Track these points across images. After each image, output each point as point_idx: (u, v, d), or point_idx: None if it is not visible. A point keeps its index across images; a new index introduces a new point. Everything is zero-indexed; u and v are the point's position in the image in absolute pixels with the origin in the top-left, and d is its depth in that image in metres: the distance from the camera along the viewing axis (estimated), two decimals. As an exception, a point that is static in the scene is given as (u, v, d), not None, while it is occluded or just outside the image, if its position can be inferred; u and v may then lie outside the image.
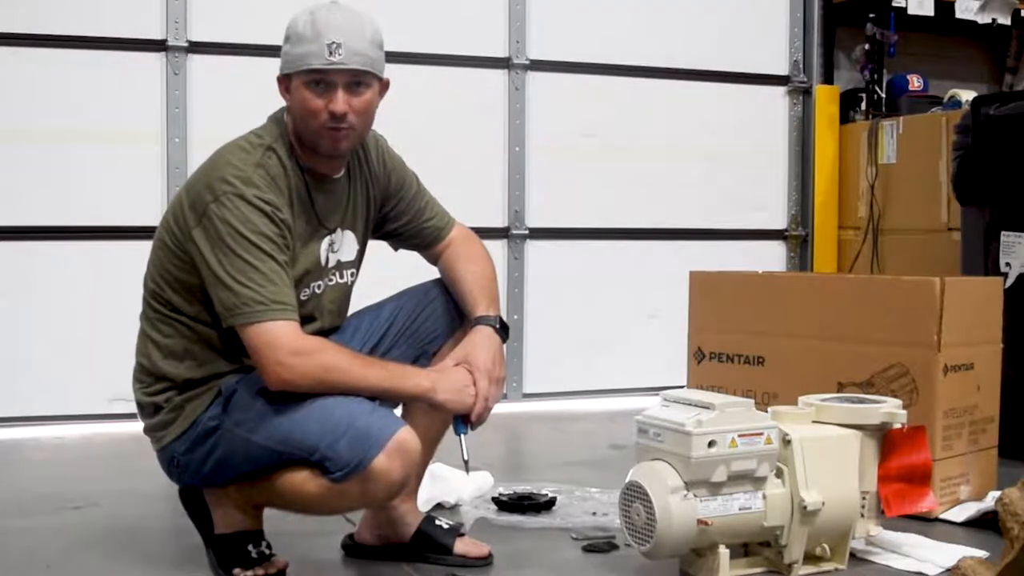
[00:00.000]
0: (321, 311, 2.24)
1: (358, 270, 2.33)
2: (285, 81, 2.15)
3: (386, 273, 2.46)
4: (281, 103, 2.23)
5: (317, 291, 2.23)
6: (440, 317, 2.32)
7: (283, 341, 2.02)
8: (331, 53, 2.07)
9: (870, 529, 2.37)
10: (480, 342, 2.20)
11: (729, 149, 4.92)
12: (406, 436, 2.02)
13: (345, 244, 2.27)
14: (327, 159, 2.18)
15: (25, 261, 3.92)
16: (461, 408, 2.13)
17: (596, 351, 4.60)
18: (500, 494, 2.80)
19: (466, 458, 2.18)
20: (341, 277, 2.28)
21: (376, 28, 2.15)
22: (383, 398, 2.12)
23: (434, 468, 2.54)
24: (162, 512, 2.70)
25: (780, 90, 5.06)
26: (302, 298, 2.18)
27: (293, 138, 2.17)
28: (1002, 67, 5.59)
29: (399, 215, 2.36)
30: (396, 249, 2.45)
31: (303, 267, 2.18)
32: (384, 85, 2.19)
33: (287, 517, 2.28)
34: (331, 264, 2.25)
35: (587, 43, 4.65)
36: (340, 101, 2.09)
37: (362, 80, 2.11)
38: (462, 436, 2.18)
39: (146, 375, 2.20)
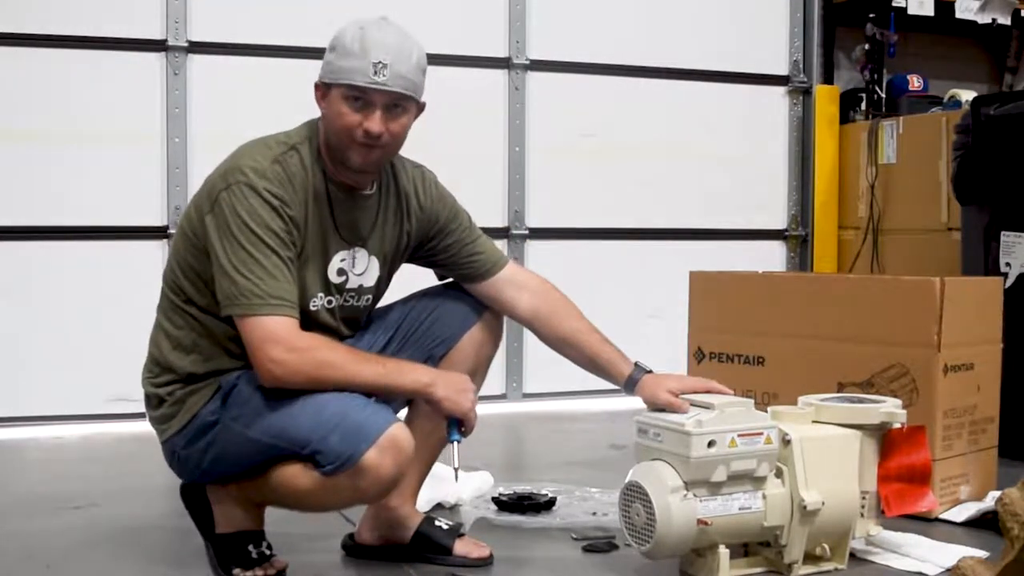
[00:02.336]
0: (334, 327, 2.23)
1: (375, 298, 2.32)
2: (323, 89, 2.14)
3: (399, 277, 2.45)
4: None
5: (328, 306, 2.22)
6: (448, 322, 2.31)
7: (278, 337, 2.02)
8: (376, 72, 2.06)
9: (870, 529, 2.36)
10: (660, 381, 2.26)
11: (729, 149, 4.92)
12: (398, 432, 2.03)
13: (369, 268, 2.26)
14: (353, 172, 2.17)
15: (25, 261, 3.92)
16: (457, 410, 2.12)
17: (596, 351, 4.59)
18: (500, 494, 2.80)
19: (456, 466, 2.18)
20: (357, 300, 2.27)
21: (422, 52, 2.15)
22: (381, 394, 2.12)
23: (434, 468, 2.54)
24: (162, 512, 2.70)
25: (780, 90, 5.06)
26: (311, 308, 2.17)
27: (323, 145, 2.17)
28: (1002, 67, 5.59)
29: (447, 248, 2.34)
30: (441, 279, 2.43)
31: (314, 271, 2.17)
32: (420, 108, 2.20)
33: (288, 518, 2.28)
34: (350, 285, 2.24)
35: (587, 43, 4.65)
36: (377, 121, 2.09)
37: (401, 103, 2.12)
38: (455, 443, 2.17)
39: (155, 365, 2.21)
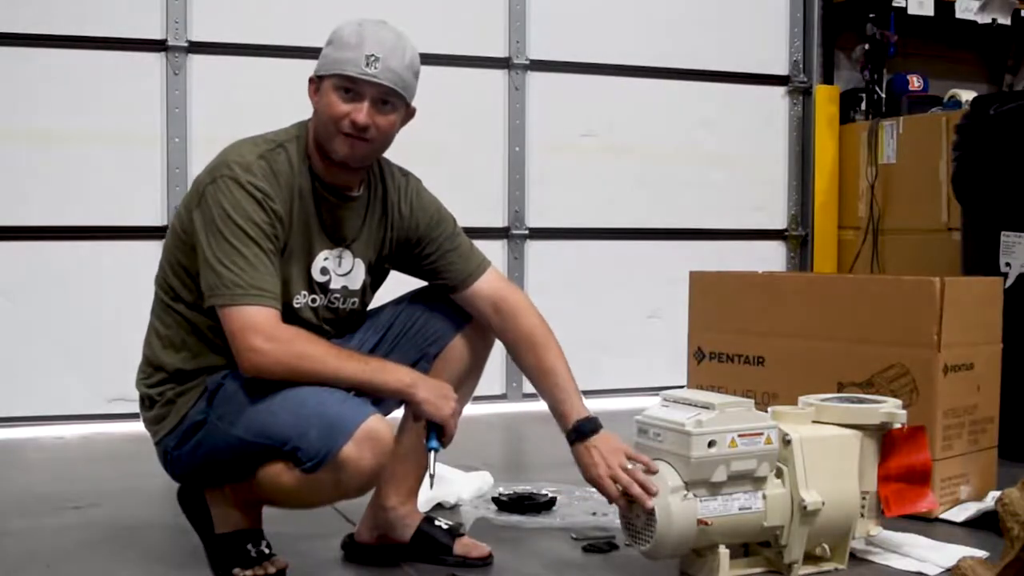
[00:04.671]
0: (319, 325, 2.23)
1: (362, 302, 2.31)
2: (317, 82, 2.16)
3: (394, 277, 2.45)
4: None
5: (312, 304, 2.21)
6: (442, 320, 2.31)
7: (257, 326, 2.03)
8: (367, 64, 2.08)
9: (870, 529, 2.37)
10: (602, 446, 2.19)
11: (729, 149, 4.92)
12: (376, 425, 2.01)
13: (355, 271, 2.26)
14: (339, 169, 2.17)
15: (25, 261, 3.92)
16: (437, 414, 2.11)
17: (596, 351, 4.59)
18: (500, 494, 2.80)
19: (432, 472, 2.14)
20: (343, 303, 2.27)
21: (416, 55, 2.16)
22: (365, 392, 2.11)
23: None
24: (162, 512, 2.69)
25: (780, 90, 5.06)
26: (295, 305, 2.17)
27: (312, 144, 2.18)
28: (1002, 67, 5.59)
29: (427, 256, 2.32)
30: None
31: (297, 268, 2.17)
32: (410, 112, 2.20)
33: (288, 517, 2.28)
34: (334, 286, 2.24)
35: (587, 43, 4.65)
36: (364, 113, 2.10)
37: (390, 99, 2.12)
38: (433, 452, 2.13)
39: (147, 365, 2.22)
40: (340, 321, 2.29)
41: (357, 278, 2.27)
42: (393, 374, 2.12)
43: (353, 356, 2.12)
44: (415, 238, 2.31)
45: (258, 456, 2.09)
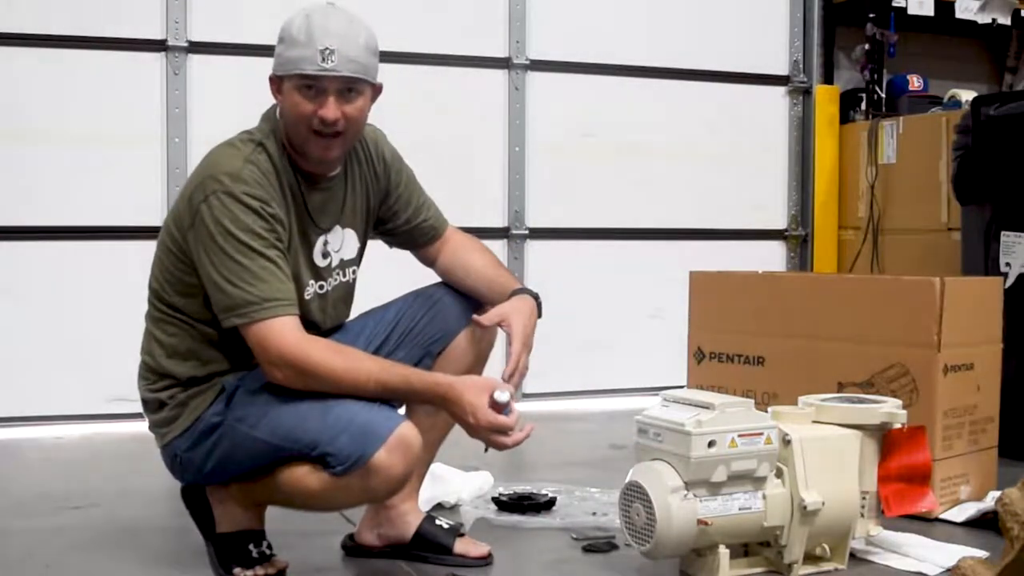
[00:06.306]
0: (326, 310, 2.25)
1: (359, 267, 2.34)
2: (277, 82, 2.15)
3: (391, 275, 2.45)
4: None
5: (320, 291, 2.23)
6: (445, 319, 2.32)
7: (273, 341, 2.03)
8: (324, 59, 2.06)
9: (870, 529, 2.37)
10: (522, 308, 2.26)
11: (729, 149, 4.92)
12: (408, 432, 2.03)
13: (346, 242, 2.27)
14: (317, 164, 2.18)
15: (25, 261, 3.92)
16: (475, 437, 2.11)
17: (596, 351, 4.60)
18: (500, 494, 2.80)
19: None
20: (343, 276, 2.28)
21: (370, 33, 2.14)
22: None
23: (434, 468, 2.54)
24: (162, 512, 2.70)
25: (780, 90, 5.05)
26: (305, 297, 2.18)
27: (284, 137, 2.17)
28: (1002, 67, 5.59)
29: (398, 212, 2.36)
30: (391, 247, 2.45)
31: (303, 260, 2.18)
32: (376, 90, 2.19)
33: (288, 517, 2.28)
34: (334, 264, 2.25)
35: (587, 43, 4.65)
36: (331, 108, 2.08)
37: (354, 87, 2.11)
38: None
39: (150, 372, 2.21)
40: (346, 295, 2.31)
41: (351, 246, 2.29)
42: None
43: (371, 376, 2.06)
44: (387, 191, 2.34)
45: (279, 460, 2.10)
